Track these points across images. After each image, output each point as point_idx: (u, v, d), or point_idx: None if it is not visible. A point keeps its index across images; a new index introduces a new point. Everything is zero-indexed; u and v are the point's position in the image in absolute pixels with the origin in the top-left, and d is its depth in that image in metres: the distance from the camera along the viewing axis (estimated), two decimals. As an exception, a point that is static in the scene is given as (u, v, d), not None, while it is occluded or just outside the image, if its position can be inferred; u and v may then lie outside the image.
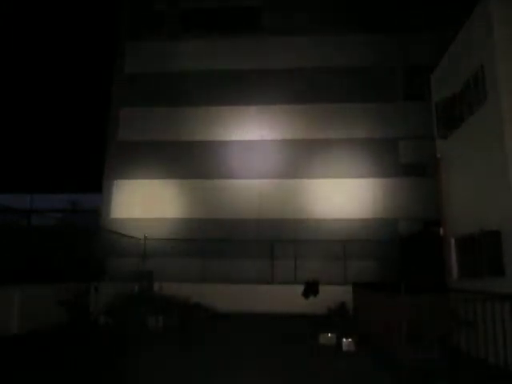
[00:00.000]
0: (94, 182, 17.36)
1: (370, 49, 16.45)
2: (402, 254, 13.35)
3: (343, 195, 15.58)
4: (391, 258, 13.69)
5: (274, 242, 14.95)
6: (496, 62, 7.96)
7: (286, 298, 13.12)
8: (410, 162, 15.64)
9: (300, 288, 13.02)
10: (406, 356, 6.23)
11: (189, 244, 14.96)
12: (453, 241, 10.20)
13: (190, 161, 16.51)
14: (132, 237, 14.66)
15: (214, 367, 6.72)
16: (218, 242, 15.01)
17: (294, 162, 16.06)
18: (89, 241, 13.28)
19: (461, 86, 9.63)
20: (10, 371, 6.37)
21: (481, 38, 8.68)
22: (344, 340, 8.11)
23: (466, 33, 9.51)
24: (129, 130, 16.98)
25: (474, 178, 9.08)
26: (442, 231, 10.93)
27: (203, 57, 17.27)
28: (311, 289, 12.92)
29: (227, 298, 13.06)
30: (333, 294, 12.37)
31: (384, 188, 15.48)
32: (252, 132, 16.49)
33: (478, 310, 6.60)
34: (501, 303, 6.10)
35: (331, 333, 8.62)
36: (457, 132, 10.02)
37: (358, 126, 16.03)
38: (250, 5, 17.55)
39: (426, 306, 6.68)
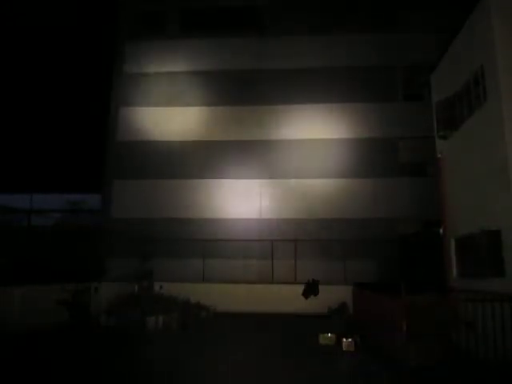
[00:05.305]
0: (94, 182, 17.35)
1: (370, 49, 16.43)
2: (401, 254, 13.35)
3: (343, 195, 15.58)
4: (391, 258, 13.69)
5: (274, 241, 14.96)
6: (496, 62, 7.96)
7: (286, 298, 13.11)
8: (409, 161, 15.63)
9: (300, 288, 13.01)
10: (405, 356, 6.23)
11: (189, 244, 14.94)
12: (453, 241, 10.20)
13: (189, 161, 16.51)
14: (132, 237, 14.65)
15: (214, 367, 6.72)
16: (217, 242, 15.01)
17: (294, 161, 16.06)
18: (89, 241, 13.30)
19: (461, 86, 9.63)
20: (10, 371, 6.37)
21: (481, 38, 8.68)
22: (344, 340, 8.11)
23: (466, 33, 9.51)
24: (129, 130, 16.98)
25: (474, 178, 9.08)
26: (441, 231, 10.93)
27: (203, 57, 17.26)
28: (311, 289, 12.92)
29: (227, 297, 13.05)
30: (333, 294, 12.37)
31: (384, 188, 15.47)
32: (252, 132, 16.48)
33: (478, 310, 6.60)
34: (501, 303, 6.11)
35: (331, 333, 8.63)
36: (457, 132, 10.02)
37: (358, 126, 16.02)
38: (251, 4, 17.54)
39: (426, 305, 6.68)
